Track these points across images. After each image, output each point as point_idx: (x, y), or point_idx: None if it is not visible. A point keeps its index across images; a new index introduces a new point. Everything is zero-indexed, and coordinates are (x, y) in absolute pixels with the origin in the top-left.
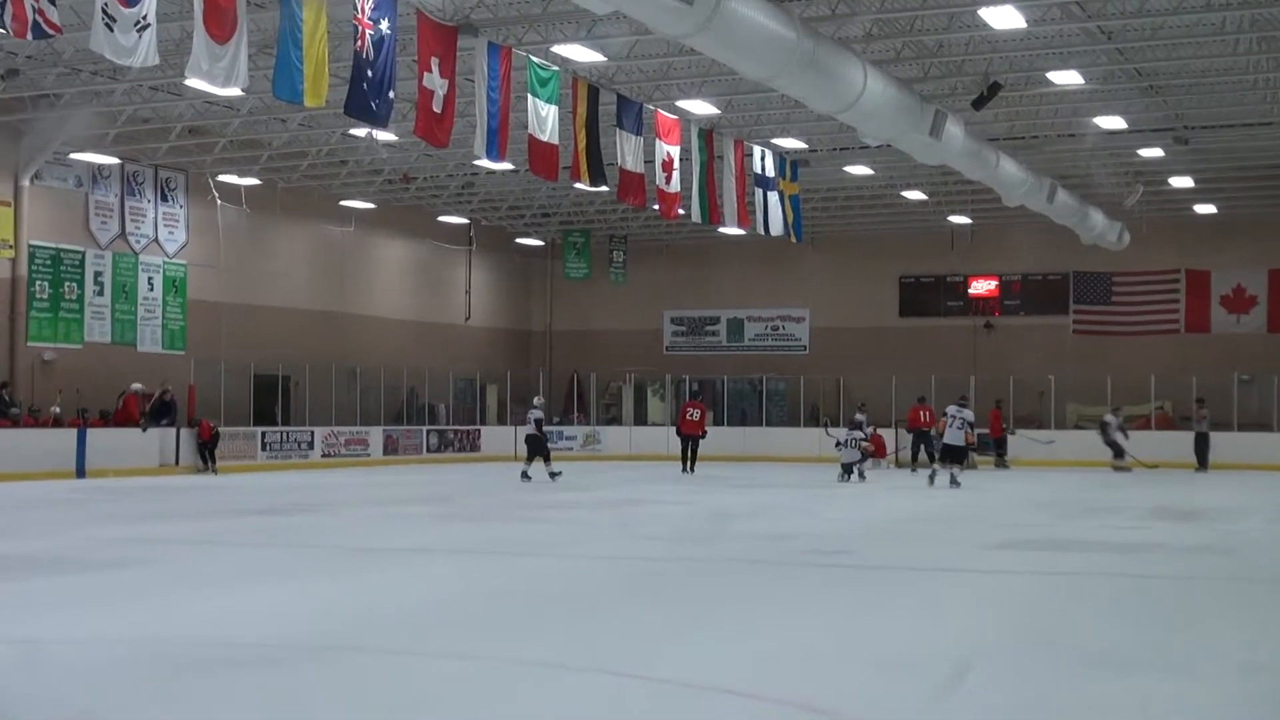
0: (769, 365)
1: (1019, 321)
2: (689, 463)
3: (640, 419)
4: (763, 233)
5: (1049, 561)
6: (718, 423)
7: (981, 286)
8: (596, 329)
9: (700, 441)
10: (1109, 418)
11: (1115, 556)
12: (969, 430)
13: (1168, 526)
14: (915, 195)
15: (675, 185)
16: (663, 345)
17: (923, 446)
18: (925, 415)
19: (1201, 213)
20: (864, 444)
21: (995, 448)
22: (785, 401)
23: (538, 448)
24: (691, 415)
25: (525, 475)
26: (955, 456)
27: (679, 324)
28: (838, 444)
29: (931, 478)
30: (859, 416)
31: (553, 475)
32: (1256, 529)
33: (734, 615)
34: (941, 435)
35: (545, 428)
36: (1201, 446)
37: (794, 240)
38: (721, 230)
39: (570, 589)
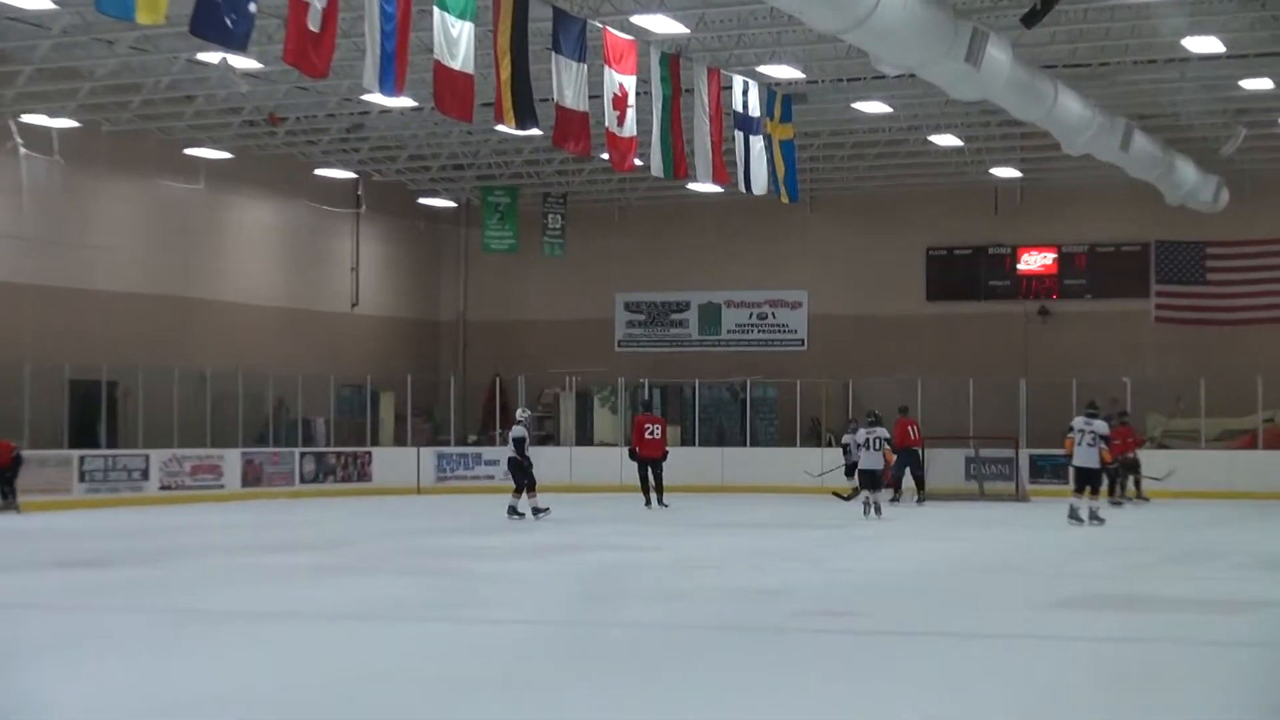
0: (755, 366)
1: (1084, 307)
2: (653, 493)
3: (584, 437)
4: (744, 191)
5: (1122, 624)
6: (687, 441)
7: (1034, 261)
8: (526, 319)
9: (662, 466)
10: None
11: (1212, 619)
12: (1104, 446)
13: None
14: (947, 141)
15: (630, 128)
16: (614, 339)
17: (908, 469)
18: (914, 431)
19: None
20: (887, 446)
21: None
22: (776, 413)
23: (519, 475)
24: (651, 432)
25: (513, 510)
26: (1093, 481)
27: (635, 311)
28: (849, 448)
29: (871, 507)
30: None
31: (536, 512)
32: None
33: (699, 702)
34: (1069, 456)
35: (528, 448)
36: None
37: (786, 201)
38: (691, 188)
39: (487, 669)
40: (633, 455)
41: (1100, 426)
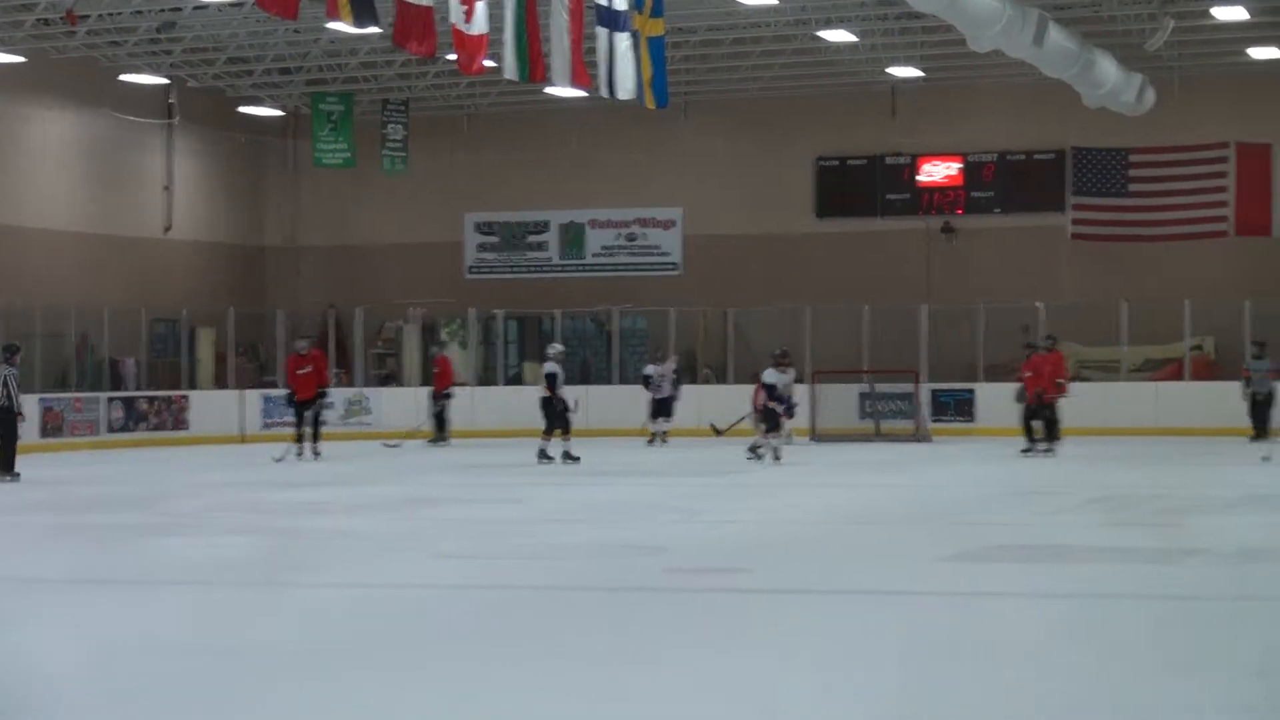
0: (623, 293)
1: (992, 223)
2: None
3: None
4: (608, 95)
5: (1036, 579)
6: None
7: (937, 172)
8: (364, 243)
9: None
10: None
11: (1135, 569)
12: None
13: (1211, 521)
14: (839, 37)
15: (480, 25)
16: (464, 265)
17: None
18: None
19: (1259, 59)
20: (791, 391)
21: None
22: (647, 347)
23: (551, 415)
24: (303, 370)
25: (543, 454)
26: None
27: (488, 233)
28: (650, 380)
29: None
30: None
31: (567, 458)
32: None
33: (567, 676)
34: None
35: (561, 385)
36: (1261, 407)
37: (653, 106)
38: (549, 92)
39: (323, 640)
40: (290, 400)
41: None
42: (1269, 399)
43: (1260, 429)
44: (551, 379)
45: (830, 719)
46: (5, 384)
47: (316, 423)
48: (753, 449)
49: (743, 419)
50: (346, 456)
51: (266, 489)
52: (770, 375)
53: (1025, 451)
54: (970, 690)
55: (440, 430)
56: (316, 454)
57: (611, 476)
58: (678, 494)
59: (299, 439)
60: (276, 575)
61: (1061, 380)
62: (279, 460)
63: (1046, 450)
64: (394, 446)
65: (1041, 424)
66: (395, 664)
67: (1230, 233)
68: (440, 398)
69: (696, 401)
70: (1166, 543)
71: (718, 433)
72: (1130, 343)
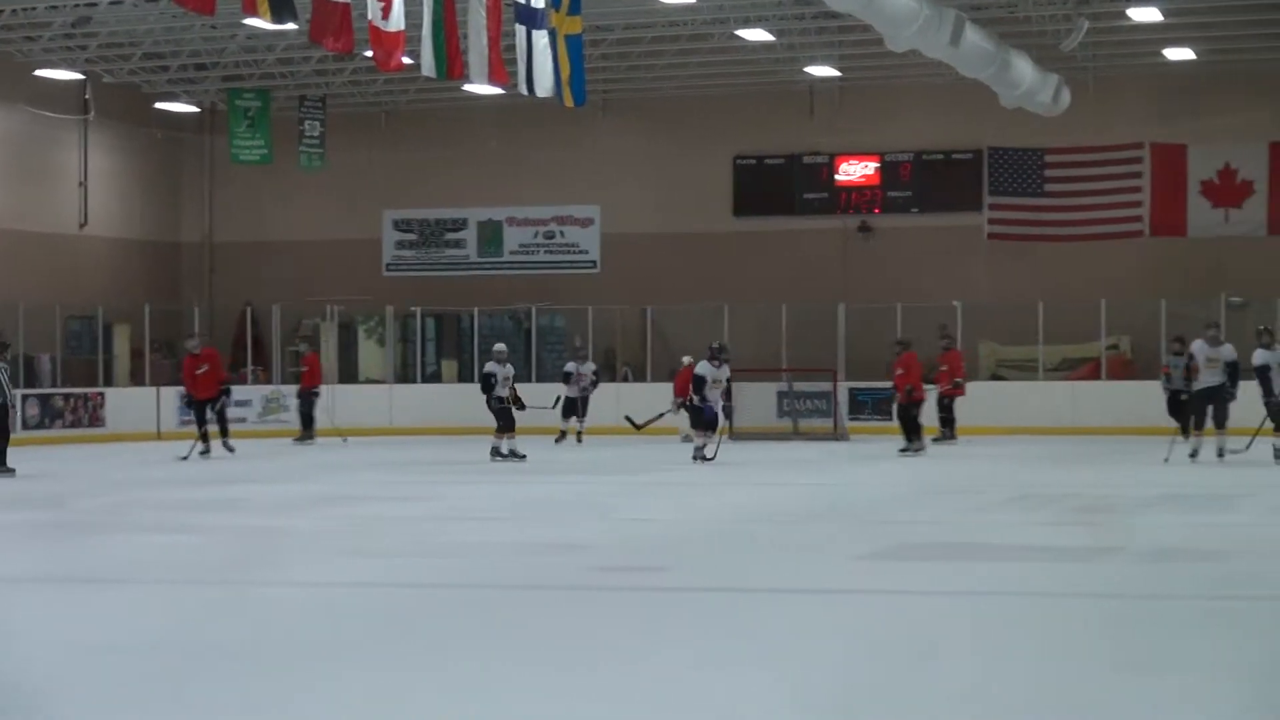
0: (541, 291)
1: (909, 222)
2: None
3: (349, 374)
4: (526, 93)
5: (955, 577)
6: (465, 376)
7: (854, 171)
8: (281, 239)
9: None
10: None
11: (1053, 567)
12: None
13: (1128, 520)
14: (757, 36)
15: (397, 21)
16: (382, 263)
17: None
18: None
19: (1175, 60)
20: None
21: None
22: (565, 344)
23: (497, 415)
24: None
25: (495, 452)
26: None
27: (406, 230)
28: (570, 377)
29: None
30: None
31: (513, 455)
32: (1250, 522)
33: (475, 675)
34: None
35: (500, 386)
36: (1179, 402)
37: (571, 104)
38: (467, 89)
39: (239, 639)
40: (189, 401)
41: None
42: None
43: (1184, 425)
44: (485, 379)
45: (751, 718)
46: None
47: (224, 418)
48: (698, 450)
49: (662, 415)
50: (263, 454)
51: (185, 487)
52: (702, 368)
53: (903, 451)
54: (897, 688)
55: (306, 428)
56: (230, 449)
57: (530, 475)
58: (596, 492)
59: (203, 437)
60: (195, 574)
61: (959, 380)
62: (183, 459)
63: (918, 450)
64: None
65: (940, 420)
66: (311, 663)
67: (1145, 233)
68: (307, 395)
69: (615, 399)
70: (1084, 541)
71: (636, 427)
72: (1047, 342)
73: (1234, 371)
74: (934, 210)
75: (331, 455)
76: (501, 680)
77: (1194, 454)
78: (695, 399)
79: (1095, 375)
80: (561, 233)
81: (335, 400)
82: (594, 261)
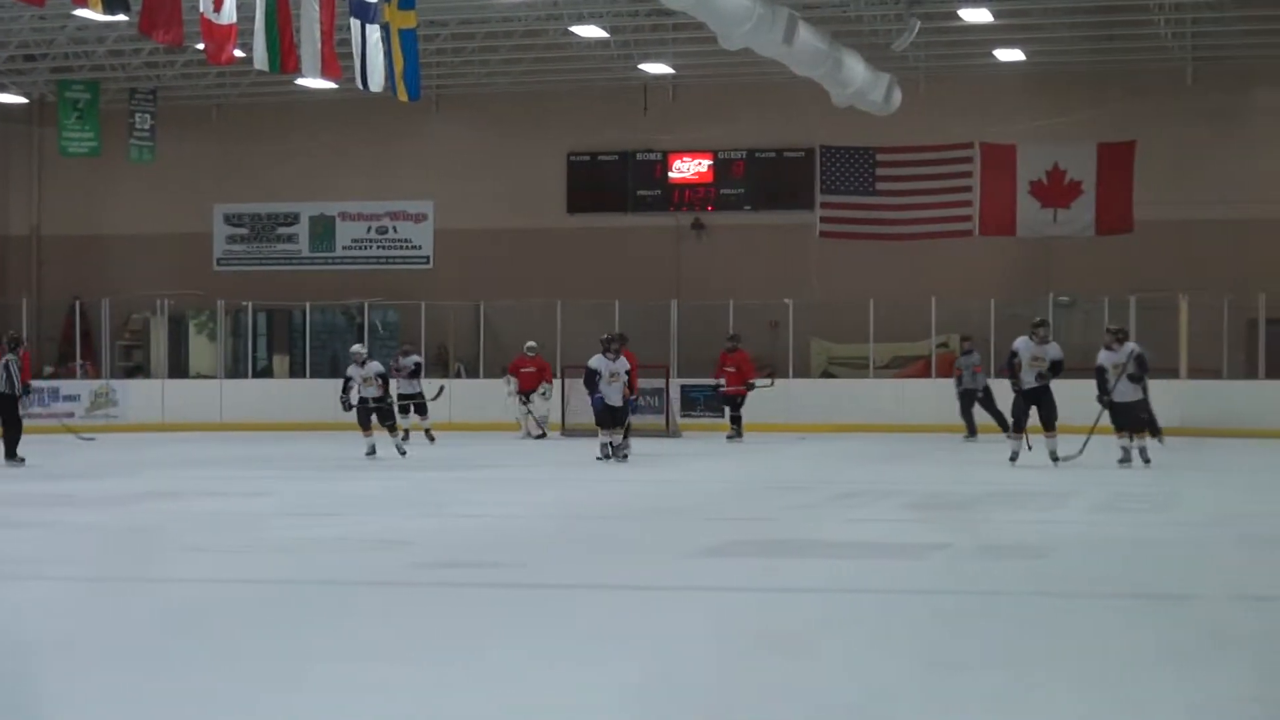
0: (374, 286)
1: (742, 219)
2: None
3: (179, 369)
4: (360, 87)
5: (785, 574)
6: (297, 371)
7: (688, 168)
8: (111, 233)
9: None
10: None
11: (881, 564)
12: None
13: (954, 517)
14: (591, 33)
15: (229, 14)
16: (213, 257)
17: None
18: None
19: (1006, 61)
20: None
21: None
22: (398, 341)
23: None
24: None
25: (399, 450)
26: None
27: (237, 225)
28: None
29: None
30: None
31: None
32: (1076, 520)
33: (303, 671)
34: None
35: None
36: (968, 402)
37: (405, 99)
38: (300, 83)
39: (43, 635)
40: None
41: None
42: (986, 394)
43: (1008, 425)
44: (344, 383)
45: (581, 716)
46: (6, 369)
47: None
48: (614, 449)
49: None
50: (87, 449)
51: (8, 482)
52: (595, 361)
53: (730, 438)
54: (721, 685)
55: None
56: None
57: (358, 470)
58: (424, 488)
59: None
60: (9, 569)
61: (752, 381)
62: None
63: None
64: (88, 440)
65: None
66: (137, 659)
67: (975, 232)
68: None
69: (449, 395)
70: (912, 538)
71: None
72: (877, 340)
73: (1058, 371)
74: (766, 208)
75: (160, 451)
76: (317, 676)
77: (1013, 457)
78: (589, 394)
79: (925, 373)
80: (395, 228)
81: (165, 395)
82: (427, 257)
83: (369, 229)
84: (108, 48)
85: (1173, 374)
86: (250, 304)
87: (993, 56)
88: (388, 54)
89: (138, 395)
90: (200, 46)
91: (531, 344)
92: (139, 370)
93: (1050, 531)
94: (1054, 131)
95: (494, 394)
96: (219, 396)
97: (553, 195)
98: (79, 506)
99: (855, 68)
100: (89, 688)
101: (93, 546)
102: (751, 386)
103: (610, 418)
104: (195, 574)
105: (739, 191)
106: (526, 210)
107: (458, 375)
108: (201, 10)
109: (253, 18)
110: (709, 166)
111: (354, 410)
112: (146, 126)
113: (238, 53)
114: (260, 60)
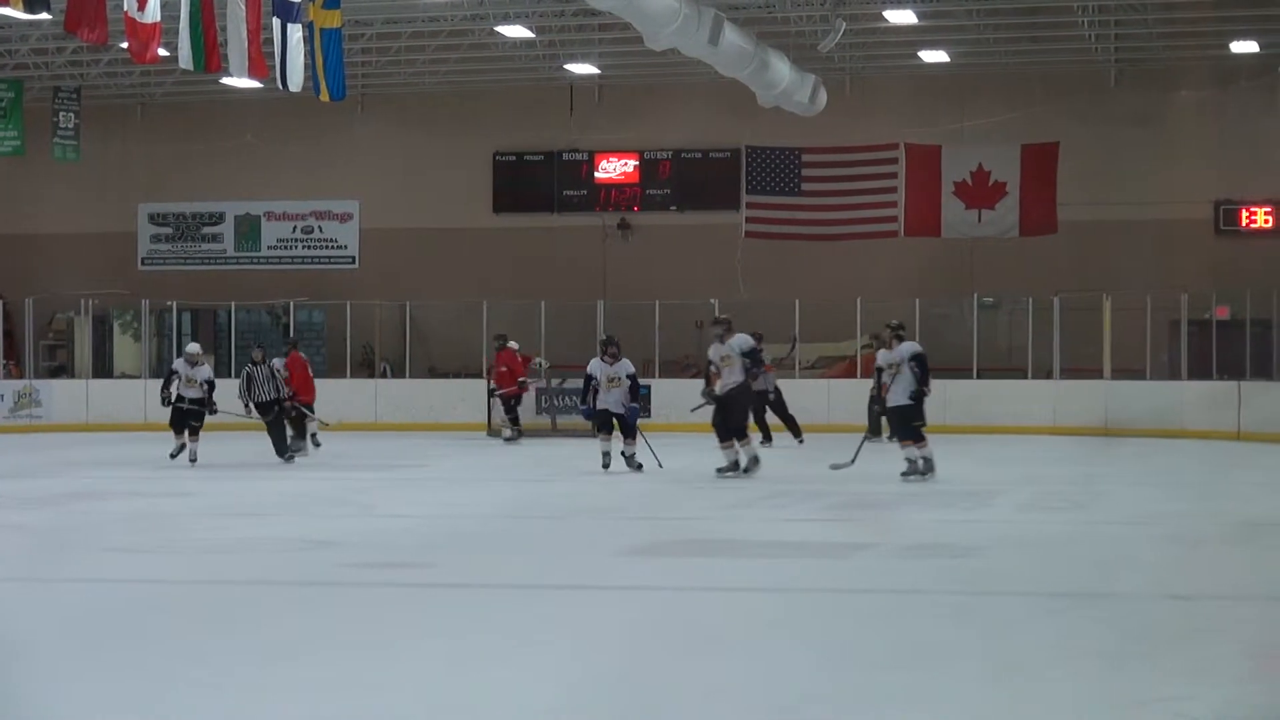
0: (300, 286)
1: (668, 220)
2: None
3: (103, 368)
4: (281, 86)
5: (713, 573)
6: (221, 372)
7: (614, 169)
8: (34, 232)
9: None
10: None
11: (807, 563)
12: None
13: (878, 516)
14: (516, 33)
15: (153, 13)
16: (138, 257)
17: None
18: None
19: (931, 62)
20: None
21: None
22: (324, 340)
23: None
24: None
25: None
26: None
27: (162, 224)
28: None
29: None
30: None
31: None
32: (1000, 520)
33: (231, 671)
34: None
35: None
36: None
37: (327, 98)
38: (225, 83)
39: None
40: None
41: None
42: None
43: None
44: (168, 376)
45: (503, 715)
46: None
47: None
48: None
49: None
50: (10, 449)
51: None
52: (593, 365)
53: (508, 440)
54: (649, 683)
55: None
56: None
57: (282, 470)
58: (349, 488)
59: None
60: None
61: (524, 380)
62: None
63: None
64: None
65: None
66: (61, 661)
67: (900, 233)
68: None
69: (374, 395)
70: (838, 537)
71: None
72: (804, 340)
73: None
74: (693, 208)
75: (84, 451)
76: (239, 677)
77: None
78: (584, 400)
79: (850, 374)
80: (320, 227)
81: (90, 395)
82: (353, 257)
83: (295, 229)
84: (31, 46)
85: (1096, 374)
86: (175, 304)
87: (917, 58)
88: (310, 53)
89: (62, 395)
90: (125, 45)
91: (513, 342)
92: (63, 370)
93: (975, 530)
94: (978, 133)
95: (422, 391)
96: (143, 396)
97: (479, 195)
98: (3, 507)
99: (781, 68)
100: (10, 688)
101: (17, 547)
102: (524, 385)
103: (609, 425)
104: (118, 575)
105: (665, 192)
106: (452, 210)
107: (384, 375)
108: (126, 9)
109: (178, 16)
110: (635, 167)
111: (170, 407)
112: (70, 125)
113: (162, 51)
114: (185, 59)
